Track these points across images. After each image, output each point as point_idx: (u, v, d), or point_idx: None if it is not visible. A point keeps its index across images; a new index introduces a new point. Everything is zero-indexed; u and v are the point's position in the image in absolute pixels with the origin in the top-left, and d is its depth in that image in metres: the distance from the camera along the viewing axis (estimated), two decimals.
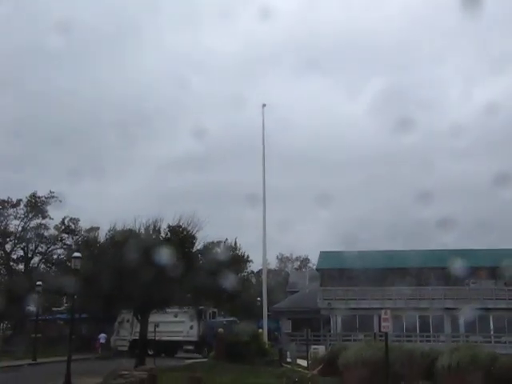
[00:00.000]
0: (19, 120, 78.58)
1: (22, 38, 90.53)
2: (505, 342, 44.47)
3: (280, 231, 70.15)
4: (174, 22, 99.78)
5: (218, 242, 44.22)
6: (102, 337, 44.49)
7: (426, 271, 44.80)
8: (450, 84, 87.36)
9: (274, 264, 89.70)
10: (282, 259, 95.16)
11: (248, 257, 51.68)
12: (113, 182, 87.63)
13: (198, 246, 38.80)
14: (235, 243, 47.87)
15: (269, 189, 38.12)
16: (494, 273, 45.53)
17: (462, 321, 45.60)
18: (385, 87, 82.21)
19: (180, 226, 36.58)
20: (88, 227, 52.10)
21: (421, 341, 42.66)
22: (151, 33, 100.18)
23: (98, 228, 45.04)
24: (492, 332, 45.56)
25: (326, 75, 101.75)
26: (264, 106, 36.56)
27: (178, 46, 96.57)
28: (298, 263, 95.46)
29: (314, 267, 61.04)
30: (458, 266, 42.69)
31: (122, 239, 32.85)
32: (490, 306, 44.74)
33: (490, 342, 43.82)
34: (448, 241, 47.88)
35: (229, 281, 36.66)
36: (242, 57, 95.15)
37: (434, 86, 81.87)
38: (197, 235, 37.22)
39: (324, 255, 50.85)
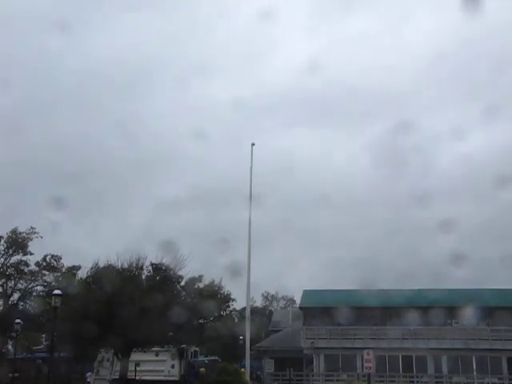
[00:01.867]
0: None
1: None
2: (487, 383, 44.44)
3: (266, 270, 70.18)
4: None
5: (200, 277, 44.44)
6: (89, 375, 43.80)
7: (409, 310, 44.80)
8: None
9: (259, 302, 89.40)
10: (268, 297, 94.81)
11: (230, 295, 51.73)
12: (102, 220, 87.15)
13: (181, 282, 39.19)
14: (220, 282, 48.07)
15: (257, 227, 38.28)
16: (477, 313, 45.64)
17: (444, 361, 45.57)
18: (381, 134, 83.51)
19: (162, 264, 36.80)
20: (70, 265, 51.86)
21: (404, 381, 42.48)
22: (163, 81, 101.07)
23: (79, 267, 44.88)
24: (475, 373, 45.49)
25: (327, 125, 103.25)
26: (253, 145, 36.88)
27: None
28: (284, 302, 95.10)
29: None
30: (440, 306, 42.98)
31: (103, 276, 32.81)
32: (472, 347, 44.76)
33: (473, 382, 43.78)
34: (430, 280, 48.31)
35: (211, 318, 36.61)
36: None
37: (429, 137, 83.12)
38: (180, 273, 37.68)
39: (307, 294, 50.74)
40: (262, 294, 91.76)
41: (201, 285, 46.12)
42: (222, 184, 76.86)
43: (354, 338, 46.63)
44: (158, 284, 36.08)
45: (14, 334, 40.86)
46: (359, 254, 75.95)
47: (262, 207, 41.64)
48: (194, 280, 42.07)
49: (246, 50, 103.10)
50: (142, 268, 36.26)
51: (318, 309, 49.34)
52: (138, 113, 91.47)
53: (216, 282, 48.37)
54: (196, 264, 44.00)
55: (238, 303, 57.16)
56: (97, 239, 66.45)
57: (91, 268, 34.92)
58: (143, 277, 36.44)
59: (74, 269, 48.28)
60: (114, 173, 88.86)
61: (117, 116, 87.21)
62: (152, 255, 36.27)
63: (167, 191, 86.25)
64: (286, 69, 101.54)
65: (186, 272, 38.10)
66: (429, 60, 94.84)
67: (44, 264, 56.84)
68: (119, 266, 35.01)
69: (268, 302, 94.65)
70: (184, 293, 39.20)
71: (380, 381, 35.90)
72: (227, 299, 52.63)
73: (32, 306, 55.12)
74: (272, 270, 74.10)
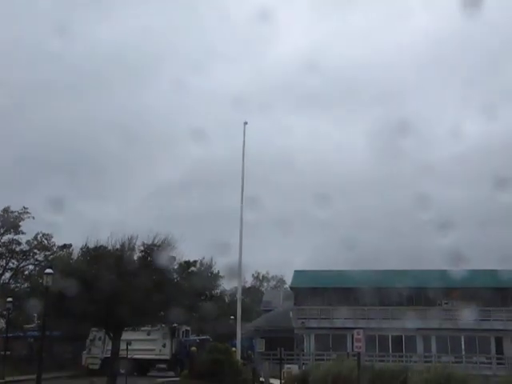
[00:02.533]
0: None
1: None
2: (476, 363, 45.00)
3: (257, 250, 70.51)
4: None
5: (194, 262, 44.61)
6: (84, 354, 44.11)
7: (399, 291, 45.18)
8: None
9: (249, 282, 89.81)
10: (258, 277, 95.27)
11: (218, 272, 51.79)
12: (95, 201, 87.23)
13: (173, 264, 39.24)
14: (211, 261, 48.14)
15: (250, 211, 38.33)
16: (466, 294, 46.10)
17: (433, 341, 46.09)
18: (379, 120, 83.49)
19: (155, 245, 36.84)
20: (61, 244, 51.76)
21: (393, 361, 42.97)
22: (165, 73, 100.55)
23: (70, 245, 44.85)
24: (463, 352, 46.05)
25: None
26: (245, 123, 36.78)
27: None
28: (274, 282, 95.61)
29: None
30: (431, 287, 43.34)
31: (95, 256, 32.80)
32: (461, 327, 45.27)
33: (462, 362, 44.31)
34: (423, 261, 48.62)
35: (202, 298, 36.75)
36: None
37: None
38: (172, 253, 37.74)
39: (298, 274, 51.07)
40: (253, 275, 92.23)
41: (194, 269, 46.31)
42: (218, 169, 77.07)
43: (345, 318, 46.98)
44: (150, 264, 36.10)
45: (5, 313, 40.91)
46: (351, 234, 76.31)
47: (255, 193, 41.79)
48: (187, 264, 42.18)
49: (246, 43, 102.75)
50: (133, 249, 36.29)
51: (309, 289, 49.71)
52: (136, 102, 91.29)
53: (206, 260, 48.40)
54: (189, 245, 44.09)
55: (229, 283, 57.53)
56: (90, 219, 66.49)
57: (81, 248, 34.83)
58: (135, 257, 36.46)
59: (65, 247, 48.21)
60: (111, 155, 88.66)
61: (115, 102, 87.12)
62: (144, 236, 36.51)
63: (163, 175, 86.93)
64: (285, 63, 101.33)
65: (178, 254, 38.02)
66: (428, 56, 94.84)
67: (35, 243, 56.69)
68: (111, 247, 34.96)
69: (258, 283, 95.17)
70: (176, 275, 39.12)
71: (369, 360, 36.19)
72: (217, 278, 52.79)
73: (23, 285, 55.18)
74: (263, 250, 74.49)
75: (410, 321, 44.92)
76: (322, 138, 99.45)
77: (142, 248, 36.72)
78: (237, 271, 38.06)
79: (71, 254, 38.87)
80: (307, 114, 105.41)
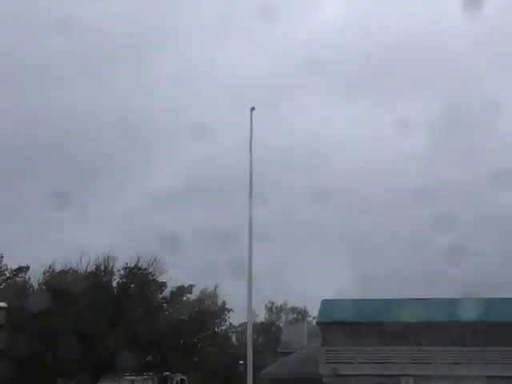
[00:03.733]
0: None
1: None
2: None
3: (271, 276, 69.07)
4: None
5: (190, 287, 43.36)
6: None
7: (463, 326, 43.62)
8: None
9: (262, 316, 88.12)
10: (273, 309, 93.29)
11: (224, 304, 50.34)
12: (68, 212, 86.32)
13: (164, 292, 38.39)
14: (215, 290, 46.99)
15: (260, 226, 37.00)
16: None
17: None
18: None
19: (139, 268, 36.10)
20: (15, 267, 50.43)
21: None
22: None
23: (28, 268, 43.69)
24: None
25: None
26: (253, 109, 35.57)
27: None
28: (294, 315, 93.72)
29: (314, 321, 59.88)
30: (507, 321, 41.61)
31: (61, 283, 31.99)
32: None
33: None
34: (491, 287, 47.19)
35: (202, 337, 35.72)
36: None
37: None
38: (162, 279, 37.04)
39: (327, 305, 49.46)
40: (266, 306, 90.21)
41: (191, 296, 45.07)
42: (223, 177, 75.99)
43: (389, 363, 45.53)
44: (133, 292, 35.37)
45: None
46: (390, 255, 74.84)
47: (267, 202, 40.62)
48: (181, 290, 41.10)
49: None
50: (112, 272, 35.64)
51: (341, 324, 48.08)
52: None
53: (209, 291, 47.11)
54: (184, 270, 43.50)
55: (237, 317, 55.83)
56: (59, 237, 65.53)
57: (44, 272, 34.15)
58: (114, 283, 35.82)
59: (20, 271, 46.88)
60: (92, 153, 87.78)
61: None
62: (126, 256, 35.87)
63: (156, 181, 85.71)
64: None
65: (170, 278, 37.30)
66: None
67: None
68: (83, 270, 34.26)
69: (273, 316, 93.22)
70: (167, 305, 38.52)
71: None
72: (222, 311, 51.39)
73: None
74: (278, 275, 73.04)
75: (476, 366, 43.32)
76: (353, 130, 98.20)
77: (122, 272, 36.29)
78: (246, 304, 36.53)
79: (28, 281, 37.95)
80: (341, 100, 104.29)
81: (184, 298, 42.60)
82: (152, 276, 36.41)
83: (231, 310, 52.15)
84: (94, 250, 35.74)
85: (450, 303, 44.93)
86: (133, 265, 35.60)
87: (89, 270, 34.63)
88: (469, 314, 42.22)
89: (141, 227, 60.99)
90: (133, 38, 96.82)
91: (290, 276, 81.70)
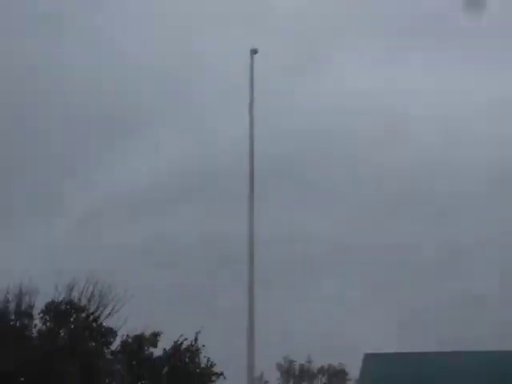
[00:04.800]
0: None
1: None
2: None
3: (281, 319, 56.41)
4: None
5: (154, 336, 32.29)
6: None
7: None
8: None
9: (273, 380, 70.43)
10: (290, 369, 76.04)
11: (211, 364, 37.83)
12: None
13: (113, 345, 29.62)
14: (195, 341, 34.48)
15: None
16: None
17: None
18: None
19: (72, 305, 26.22)
20: None
21: None
22: None
23: None
24: None
25: None
26: (254, 52, 26.02)
27: None
28: (323, 377, 76.24)
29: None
30: None
31: None
32: None
33: None
34: None
35: None
36: None
37: None
38: (109, 324, 28.42)
39: (371, 360, 38.85)
40: (277, 364, 72.63)
41: (156, 350, 33.90)
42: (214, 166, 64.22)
43: None
44: (63, 344, 26.42)
45: None
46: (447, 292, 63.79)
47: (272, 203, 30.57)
48: (140, 341, 30.51)
49: None
50: (30, 314, 25.53)
51: None
52: None
53: (187, 343, 35.13)
54: (146, 310, 33.89)
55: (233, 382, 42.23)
56: None
57: None
58: (34, 330, 25.61)
59: None
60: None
61: None
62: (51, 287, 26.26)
63: (116, 179, 72.53)
64: None
65: (123, 323, 28.50)
66: None
67: None
68: None
69: (290, 378, 75.84)
70: (119, 365, 28.83)
71: None
72: (207, 376, 38.14)
73: None
74: (291, 318, 60.46)
75: None
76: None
77: (45, 311, 26.30)
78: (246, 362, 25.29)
79: None
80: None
81: (146, 353, 31.98)
82: (93, 319, 26.30)
83: (222, 374, 38.54)
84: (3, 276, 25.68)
85: None
86: (61, 300, 25.52)
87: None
88: None
89: (79, 244, 49.99)
90: None
91: (306, 323, 68.41)
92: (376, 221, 67.52)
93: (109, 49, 70.02)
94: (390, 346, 41.80)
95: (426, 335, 41.08)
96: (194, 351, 32.07)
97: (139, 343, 30.28)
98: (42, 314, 26.03)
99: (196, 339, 31.80)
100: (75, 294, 26.22)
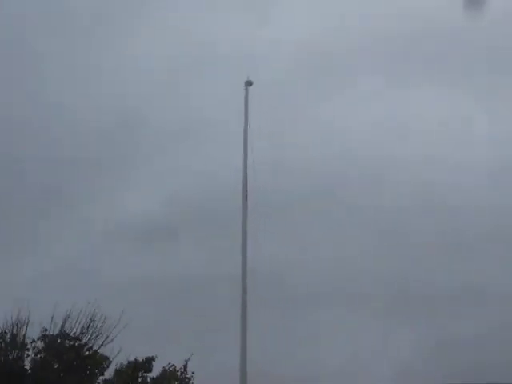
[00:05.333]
0: None
1: None
2: None
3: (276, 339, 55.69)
4: None
5: (148, 361, 31.65)
6: None
7: None
8: None
9: None
10: None
11: None
12: None
13: (107, 373, 28.06)
14: (184, 368, 33.96)
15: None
16: None
17: None
18: None
19: (66, 335, 25.71)
20: None
21: None
22: None
23: None
24: None
25: None
26: (249, 84, 26.03)
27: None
28: None
29: None
30: None
31: None
32: None
33: None
34: None
35: None
36: None
37: None
38: (103, 352, 27.09)
39: None
40: None
41: (149, 376, 33.23)
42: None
43: None
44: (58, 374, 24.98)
45: None
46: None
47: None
48: (135, 367, 29.98)
49: None
50: (23, 344, 24.98)
51: None
52: None
53: (178, 368, 34.54)
54: (140, 336, 32.96)
55: None
56: None
57: None
58: (27, 361, 25.11)
59: None
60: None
61: None
62: (45, 316, 25.65)
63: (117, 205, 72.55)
64: None
65: (117, 353, 27.21)
66: None
67: None
68: None
69: None
70: None
71: None
72: None
73: None
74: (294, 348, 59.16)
75: None
76: None
77: (39, 343, 25.74)
78: None
79: None
80: None
81: (139, 380, 31.24)
82: (87, 349, 25.86)
83: None
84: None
85: None
86: (56, 331, 24.99)
87: None
88: None
89: (74, 273, 49.65)
90: None
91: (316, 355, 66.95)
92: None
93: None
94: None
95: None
96: (183, 379, 31.47)
97: (133, 369, 29.76)
98: (34, 344, 25.50)
99: (186, 364, 31.22)
100: (70, 325, 25.76)
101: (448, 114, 58.59)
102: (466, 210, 56.89)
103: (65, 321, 25.35)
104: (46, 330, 25.21)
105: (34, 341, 25.09)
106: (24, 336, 24.87)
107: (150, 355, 30.98)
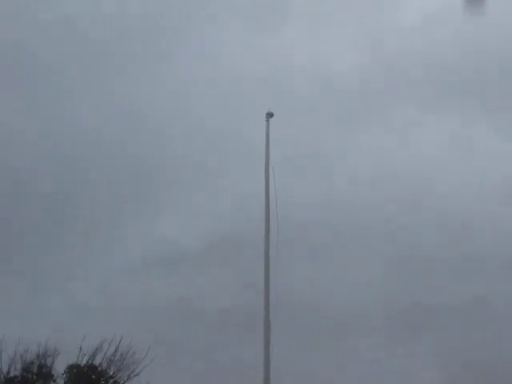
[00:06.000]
0: None
1: None
2: None
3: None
4: None
5: None
6: None
7: None
8: None
9: None
10: None
11: None
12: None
13: None
14: None
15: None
16: None
17: None
18: None
19: (94, 367, 25.36)
20: None
21: None
22: None
23: None
24: None
25: None
26: (270, 116, 25.19)
27: None
28: None
29: None
30: None
31: None
32: None
33: None
34: None
35: None
36: None
37: None
38: None
39: None
40: None
41: None
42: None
43: None
44: None
45: None
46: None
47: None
48: None
49: None
50: (49, 375, 24.68)
51: None
52: None
53: None
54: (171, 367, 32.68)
55: None
56: None
57: None
58: None
59: None
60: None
61: None
62: (73, 346, 25.20)
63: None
64: None
65: None
66: None
67: None
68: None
69: None
70: None
71: None
72: None
73: None
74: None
75: None
76: None
77: (67, 376, 25.41)
78: None
79: None
80: None
81: None
82: (114, 382, 25.54)
83: None
84: (24, 338, 24.65)
85: None
86: (84, 361, 24.59)
87: (11, 374, 23.73)
88: None
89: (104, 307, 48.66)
90: None
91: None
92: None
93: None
94: None
95: None
96: None
97: None
98: (63, 376, 25.22)
99: None
100: (98, 357, 25.38)
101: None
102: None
103: (94, 354, 25.15)
104: (75, 362, 25.08)
105: (63, 373, 24.95)
106: (51, 367, 24.84)
107: None
